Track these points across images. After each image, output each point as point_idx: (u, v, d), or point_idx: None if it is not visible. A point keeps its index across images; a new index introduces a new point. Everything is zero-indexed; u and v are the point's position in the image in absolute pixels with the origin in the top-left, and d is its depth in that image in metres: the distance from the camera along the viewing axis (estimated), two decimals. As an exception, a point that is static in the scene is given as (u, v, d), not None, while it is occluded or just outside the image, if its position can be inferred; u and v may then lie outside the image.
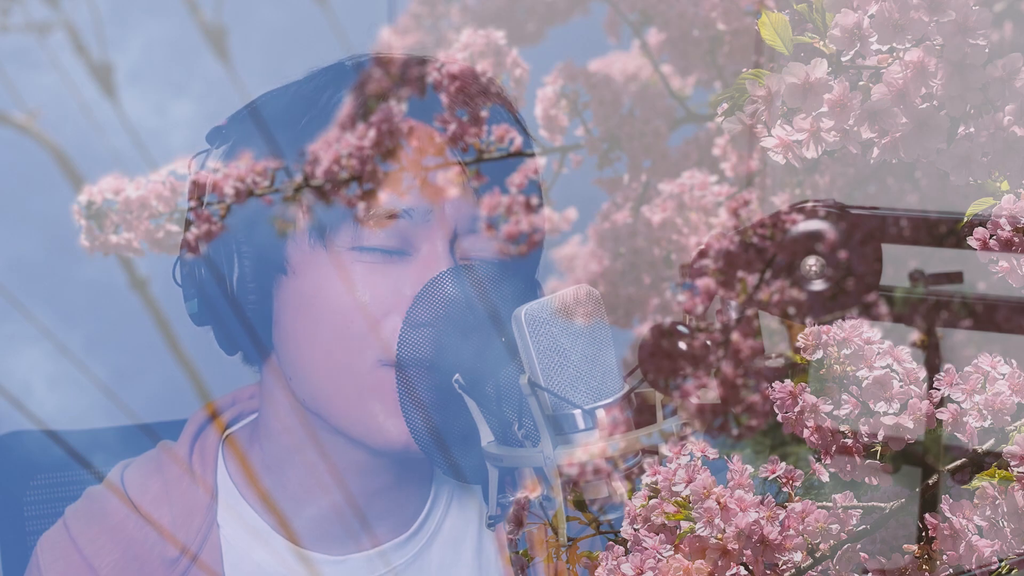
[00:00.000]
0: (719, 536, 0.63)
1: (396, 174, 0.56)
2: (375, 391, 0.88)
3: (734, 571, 0.64)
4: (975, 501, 0.64)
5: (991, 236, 0.64)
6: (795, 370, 0.65)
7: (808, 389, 0.64)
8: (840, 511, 0.66)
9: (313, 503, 0.96)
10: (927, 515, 0.66)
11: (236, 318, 0.92)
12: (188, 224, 0.83)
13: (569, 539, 0.73)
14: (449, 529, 1.00)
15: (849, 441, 0.64)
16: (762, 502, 0.64)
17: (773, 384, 0.64)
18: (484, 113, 0.57)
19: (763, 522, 0.63)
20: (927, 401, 0.64)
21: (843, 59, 0.67)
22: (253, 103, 0.94)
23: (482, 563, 1.00)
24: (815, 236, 0.63)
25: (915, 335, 0.66)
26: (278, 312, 0.92)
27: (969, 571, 0.64)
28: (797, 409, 0.64)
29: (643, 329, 1.13)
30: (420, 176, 0.57)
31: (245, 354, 0.97)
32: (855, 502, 0.67)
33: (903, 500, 0.68)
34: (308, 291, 0.89)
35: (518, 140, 0.58)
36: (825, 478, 0.66)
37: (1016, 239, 0.64)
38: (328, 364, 0.89)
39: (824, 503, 0.66)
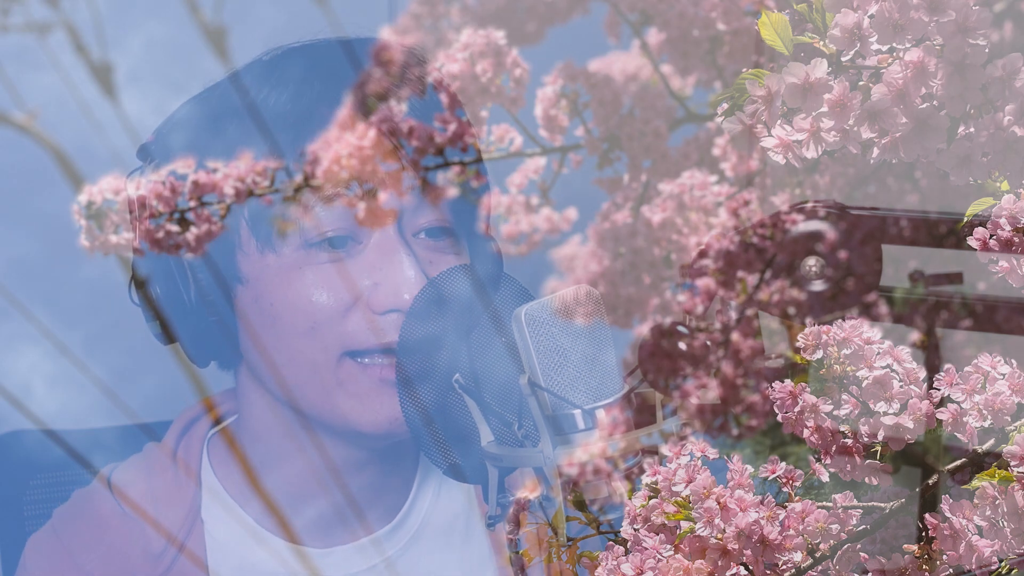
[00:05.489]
0: (719, 536, 0.63)
1: (332, 163, 0.56)
2: (343, 383, 0.90)
3: (734, 571, 0.63)
4: (975, 501, 0.64)
5: (991, 236, 0.64)
6: (795, 370, 0.65)
7: (808, 389, 0.64)
8: (840, 511, 0.66)
9: (296, 497, 0.96)
10: (927, 515, 0.65)
11: (199, 332, 0.92)
12: (135, 248, 0.83)
13: (569, 539, 0.73)
14: (439, 520, 1.00)
15: (849, 441, 0.64)
16: (762, 502, 0.64)
17: (773, 384, 0.64)
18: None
19: (763, 522, 0.63)
20: (927, 401, 0.64)
21: (843, 59, 0.67)
22: (174, 115, 0.93)
23: (472, 550, 1.01)
24: (815, 236, 0.63)
25: (915, 335, 0.66)
26: (241, 320, 0.93)
27: (969, 571, 0.64)
28: (797, 409, 0.64)
29: (643, 329, 1.13)
30: (356, 161, 0.56)
31: (219, 362, 0.97)
32: (855, 502, 0.67)
33: (903, 500, 0.68)
34: (266, 299, 0.90)
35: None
36: (825, 478, 0.66)
37: (1016, 239, 0.64)
38: (296, 363, 0.90)
39: (824, 503, 0.66)
